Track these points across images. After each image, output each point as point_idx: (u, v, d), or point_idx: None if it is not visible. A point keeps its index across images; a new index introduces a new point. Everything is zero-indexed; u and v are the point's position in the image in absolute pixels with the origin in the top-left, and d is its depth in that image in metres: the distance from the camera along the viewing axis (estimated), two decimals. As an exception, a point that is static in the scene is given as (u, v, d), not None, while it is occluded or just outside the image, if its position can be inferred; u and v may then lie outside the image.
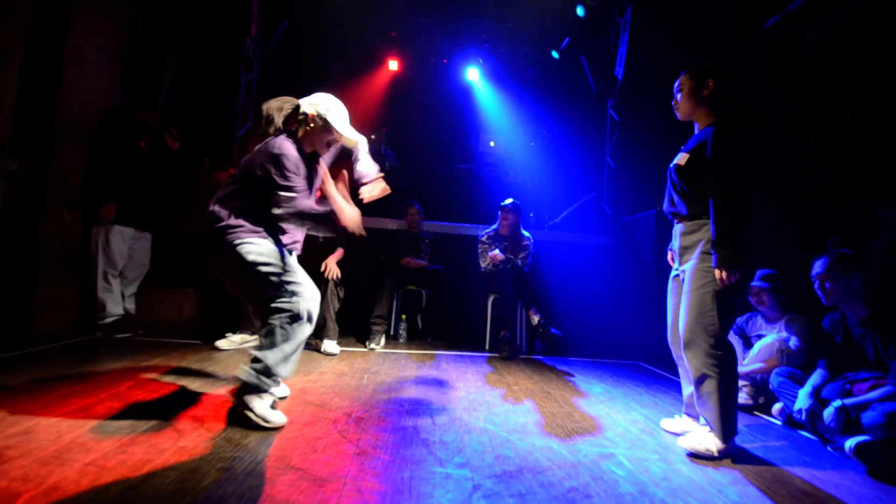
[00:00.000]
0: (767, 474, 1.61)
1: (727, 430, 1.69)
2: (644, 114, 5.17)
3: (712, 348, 1.69)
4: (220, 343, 2.97)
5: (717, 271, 1.65)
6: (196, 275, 3.77)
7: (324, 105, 1.90)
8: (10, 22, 2.78)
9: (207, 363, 2.57)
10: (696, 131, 1.90)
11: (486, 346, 3.65)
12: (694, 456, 1.71)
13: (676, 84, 1.90)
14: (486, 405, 2.17)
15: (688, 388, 1.95)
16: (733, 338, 2.62)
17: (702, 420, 1.81)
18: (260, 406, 1.70)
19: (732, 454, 1.72)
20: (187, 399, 1.95)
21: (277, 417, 1.71)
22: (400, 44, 6.40)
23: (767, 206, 3.42)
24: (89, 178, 3.24)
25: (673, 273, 1.98)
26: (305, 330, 1.77)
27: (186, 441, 1.52)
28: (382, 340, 3.47)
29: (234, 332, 3.07)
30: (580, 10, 5.63)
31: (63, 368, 2.27)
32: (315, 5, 5.80)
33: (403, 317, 3.82)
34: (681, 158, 1.83)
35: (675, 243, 1.90)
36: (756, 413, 2.40)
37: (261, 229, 1.80)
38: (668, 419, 2.03)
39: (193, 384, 2.16)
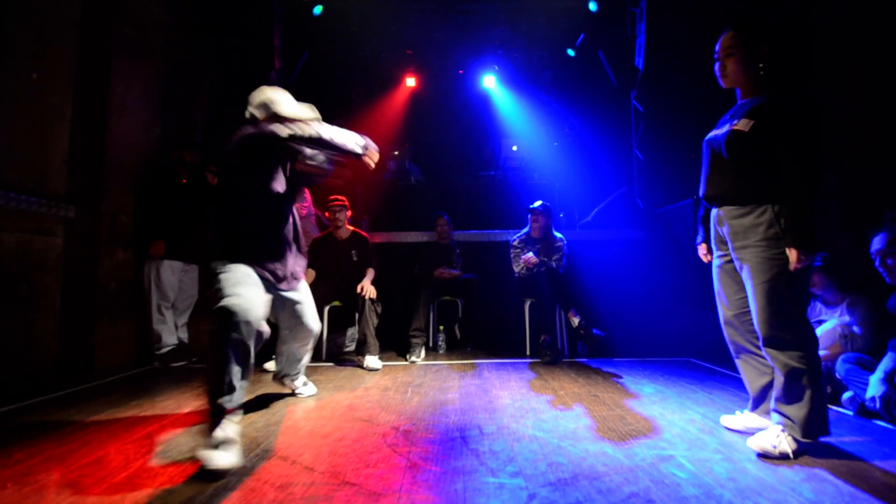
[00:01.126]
0: (843, 469, 1.51)
1: (817, 426, 1.56)
2: (669, 101, 5.03)
3: (799, 340, 1.56)
4: (269, 364, 3.05)
5: (792, 252, 1.51)
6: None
7: (257, 101, 2.00)
8: (59, 81, 3.02)
9: (257, 385, 2.65)
10: (739, 98, 1.73)
11: (527, 352, 3.60)
12: (765, 456, 1.59)
13: (718, 44, 1.70)
14: (533, 412, 2.13)
15: (756, 382, 1.81)
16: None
17: (775, 417, 1.63)
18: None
19: (805, 451, 1.60)
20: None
21: (220, 458, 1.47)
22: (415, 61, 6.52)
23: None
24: (138, 217, 3.45)
25: (718, 261, 1.83)
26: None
27: (245, 462, 1.57)
28: (423, 353, 3.48)
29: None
30: (592, 6, 5.58)
31: (126, 399, 2.40)
32: (331, 34, 5.99)
33: (441, 328, 3.83)
34: (741, 124, 1.59)
35: (722, 229, 1.73)
36: (824, 404, 2.25)
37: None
38: (729, 416, 1.92)
39: (245, 406, 2.23)
